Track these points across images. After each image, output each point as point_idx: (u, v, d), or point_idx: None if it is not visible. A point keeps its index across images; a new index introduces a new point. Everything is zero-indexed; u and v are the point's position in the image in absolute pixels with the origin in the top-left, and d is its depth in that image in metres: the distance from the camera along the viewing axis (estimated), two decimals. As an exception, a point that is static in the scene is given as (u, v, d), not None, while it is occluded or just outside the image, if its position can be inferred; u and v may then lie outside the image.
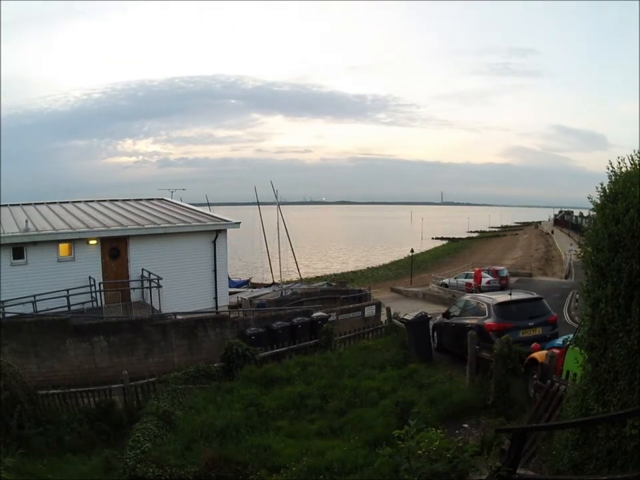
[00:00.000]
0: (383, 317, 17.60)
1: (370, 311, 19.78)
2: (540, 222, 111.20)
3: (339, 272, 54.65)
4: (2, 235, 16.47)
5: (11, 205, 21.62)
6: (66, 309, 16.42)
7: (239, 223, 21.59)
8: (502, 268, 33.89)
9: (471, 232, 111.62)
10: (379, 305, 20.25)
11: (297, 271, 38.97)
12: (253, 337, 15.00)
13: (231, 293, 24.28)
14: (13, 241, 16.60)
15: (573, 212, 79.96)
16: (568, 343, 8.24)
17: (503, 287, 27.33)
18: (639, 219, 4.36)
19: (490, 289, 25.94)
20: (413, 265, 48.18)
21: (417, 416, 6.84)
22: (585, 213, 47.61)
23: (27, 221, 17.55)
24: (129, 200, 24.99)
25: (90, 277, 17.52)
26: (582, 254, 5.24)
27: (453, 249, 76.39)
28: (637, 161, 4.78)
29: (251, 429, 9.54)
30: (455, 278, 33.26)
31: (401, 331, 13.83)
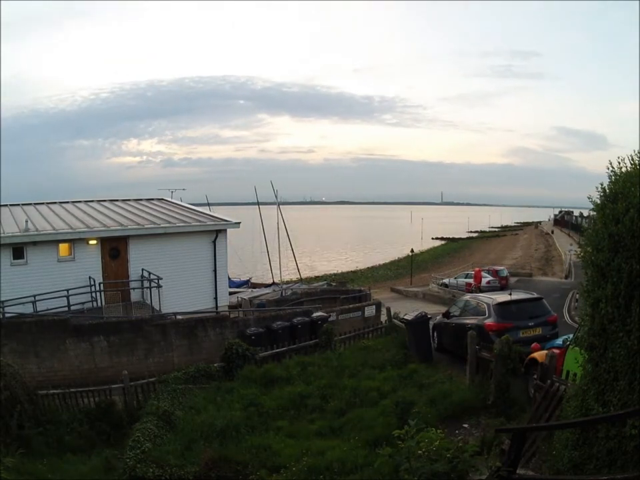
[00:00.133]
0: (383, 317, 17.60)
1: (370, 311, 19.78)
2: (540, 222, 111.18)
3: (339, 272, 54.66)
4: (2, 234, 16.47)
5: (11, 205, 21.61)
6: (66, 308, 16.42)
7: (239, 222, 21.59)
8: (502, 268, 33.90)
9: (471, 232, 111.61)
10: (379, 305, 20.25)
11: (297, 271, 38.99)
12: (253, 337, 15.00)
13: (231, 293, 24.28)
14: (13, 241, 16.61)
15: (572, 212, 79.99)
16: (568, 343, 8.24)
17: (503, 286, 27.35)
18: (639, 219, 4.36)
19: (490, 288, 25.95)
20: (413, 265, 48.21)
21: (417, 416, 6.85)
22: (585, 213, 47.59)
23: (26, 221, 17.55)
24: (128, 200, 24.99)
25: (90, 277, 17.52)
26: (582, 254, 5.24)
27: (453, 249, 76.39)
28: (636, 161, 4.78)
29: (251, 428, 9.54)
30: (455, 278, 33.27)
31: (401, 330, 13.83)
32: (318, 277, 49.63)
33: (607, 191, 4.90)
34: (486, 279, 29.82)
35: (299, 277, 38.80)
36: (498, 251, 67.89)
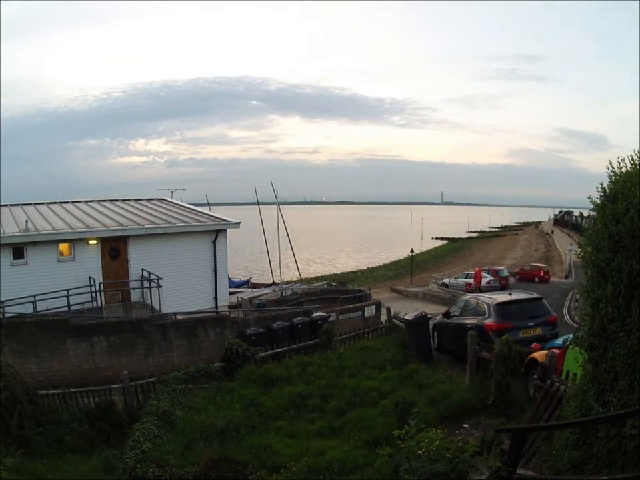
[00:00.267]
0: (383, 317, 17.60)
1: (370, 311, 19.78)
2: (540, 222, 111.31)
3: (339, 272, 54.68)
4: (2, 234, 16.47)
5: (11, 205, 21.62)
6: (66, 308, 16.42)
7: (239, 222, 21.60)
8: (502, 268, 33.94)
9: (471, 232, 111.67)
10: (379, 305, 20.25)
11: (297, 271, 39.00)
12: (253, 337, 14.99)
13: (231, 293, 24.29)
14: (13, 241, 16.60)
15: (572, 212, 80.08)
16: (568, 342, 8.24)
17: (503, 286, 27.38)
18: (639, 219, 4.36)
19: (490, 288, 25.99)
20: (413, 265, 48.24)
21: (417, 416, 6.84)
22: (585, 213, 47.62)
23: (27, 221, 17.55)
24: (128, 200, 25.00)
25: (90, 277, 17.52)
26: (582, 254, 5.24)
27: (453, 249, 76.46)
28: (636, 161, 4.78)
29: (251, 428, 9.53)
30: (455, 278, 33.32)
31: (401, 330, 13.83)
32: (318, 276, 49.66)
33: (607, 191, 4.89)
34: (486, 279, 29.86)
35: (298, 276, 38.80)
36: (498, 251, 67.96)
